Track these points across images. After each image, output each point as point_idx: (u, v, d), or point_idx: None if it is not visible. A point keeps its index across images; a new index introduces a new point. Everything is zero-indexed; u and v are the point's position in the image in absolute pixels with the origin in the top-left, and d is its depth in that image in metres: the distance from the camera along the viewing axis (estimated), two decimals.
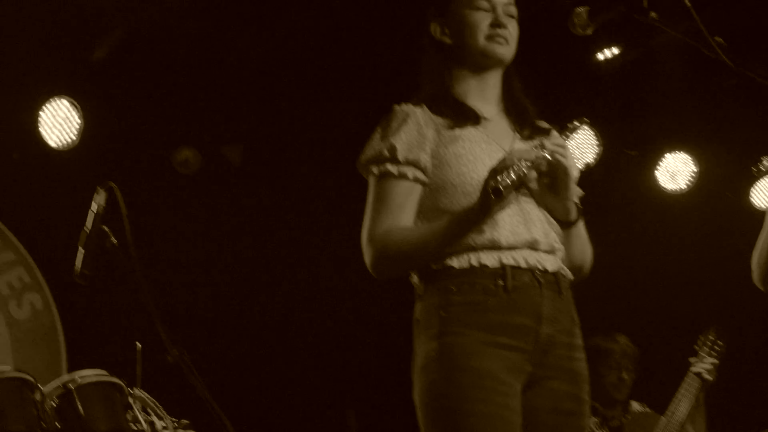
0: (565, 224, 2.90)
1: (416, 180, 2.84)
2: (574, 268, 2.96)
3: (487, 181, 2.68)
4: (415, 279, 2.91)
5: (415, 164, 2.83)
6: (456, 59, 2.97)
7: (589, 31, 2.89)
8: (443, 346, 2.74)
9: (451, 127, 2.88)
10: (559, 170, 2.79)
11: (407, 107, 2.90)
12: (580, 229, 2.97)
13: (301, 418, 5.89)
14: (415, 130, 2.85)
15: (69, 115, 5.45)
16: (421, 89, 3.00)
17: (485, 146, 2.87)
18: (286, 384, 6.00)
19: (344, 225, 2.93)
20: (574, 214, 2.89)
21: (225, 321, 5.91)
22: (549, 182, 2.81)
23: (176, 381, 3.23)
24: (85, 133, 5.50)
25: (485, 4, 2.95)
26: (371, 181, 2.89)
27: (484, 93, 3.00)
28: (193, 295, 5.83)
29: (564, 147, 2.79)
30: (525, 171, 2.68)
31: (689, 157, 6.51)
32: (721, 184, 6.53)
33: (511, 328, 2.75)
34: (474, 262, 2.78)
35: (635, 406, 5.71)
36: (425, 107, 2.90)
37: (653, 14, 2.73)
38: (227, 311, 5.93)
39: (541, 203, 2.86)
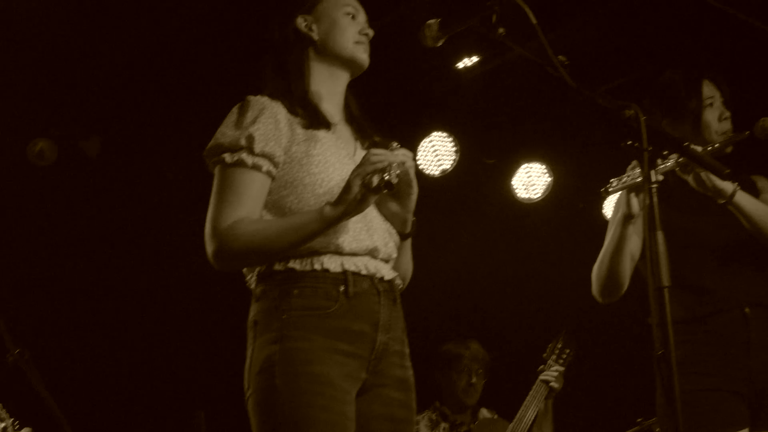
0: (402, 236, 2.98)
1: (269, 174, 2.84)
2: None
3: (355, 178, 2.70)
4: (251, 279, 2.91)
5: (270, 157, 2.82)
6: (318, 57, 3.01)
7: (440, 43, 2.95)
8: (284, 350, 2.74)
9: (305, 127, 2.91)
10: (404, 181, 2.85)
11: (263, 99, 2.90)
12: (409, 244, 3.05)
13: (149, 419, 5.81)
14: (272, 123, 2.85)
15: None
16: (275, 82, 3.00)
17: (335, 150, 2.92)
18: (134, 385, 5.90)
19: (201, 219, 2.89)
20: (410, 226, 2.97)
21: (72, 320, 5.78)
22: (393, 192, 2.83)
23: (18, 382, 3.16)
24: None
25: (352, 11, 3.04)
26: (219, 170, 2.85)
27: (334, 97, 3.06)
28: (42, 293, 5.70)
29: (410, 159, 2.84)
30: (399, 172, 2.72)
31: (544, 168, 6.66)
32: (575, 195, 6.69)
33: (351, 334, 2.79)
34: (317, 266, 2.80)
35: (484, 412, 5.83)
36: (280, 103, 2.90)
37: (501, 30, 2.80)
38: (75, 310, 5.80)
39: (382, 211, 2.92)
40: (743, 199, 3.58)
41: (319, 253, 2.81)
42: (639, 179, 3.36)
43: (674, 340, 3.57)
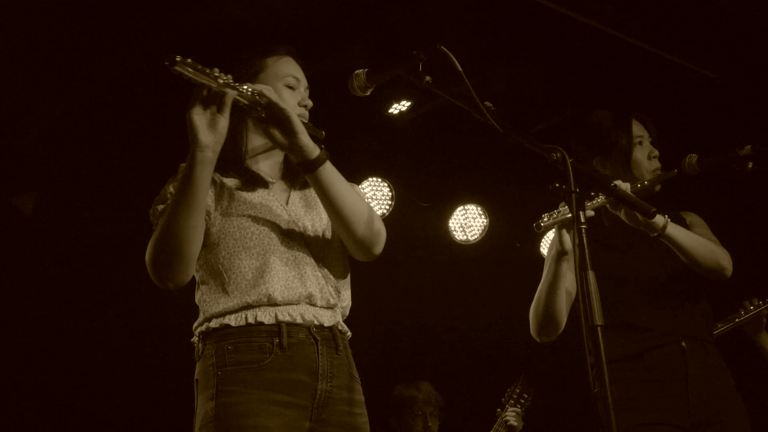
0: (306, 166, 2.87)
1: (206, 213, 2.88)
2: (352, 230, 2.93)
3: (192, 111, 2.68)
4: (194, 339, 2.94)
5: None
6: (256, 126, 3.02)
7: (369, 92, 2.99)
8: (220, 406, 2.76)
9: (239, 188, 2.96)
10: (271, 106, 2.81)
11: None
12: (329, 174, 2.91)
13: None
14: None
15: None
16: None
17: (268, 205, 2.96)
18: None
19: (140, 274, 2.91)
20: (311, 151, 2.86)
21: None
22: (268, 119, 2.83)
23: None
24: None
25: (293, 82, 3.08)
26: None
27: (272, 156, 3.10)
28: None
29: (269, 89, 2.84)
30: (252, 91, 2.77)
31: (480, 209, 6.72)
32: (511, 234, 6.75)
33: (288, 384, 2.80)
34: (250, 320, 2.83)
35: None
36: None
37: (428, 78, 2.85)
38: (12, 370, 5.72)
39: (275, 142, 2.86)
40: (675, 230, 3.65)
41: (252, 306, 2.84)
42: (569, 215, 3.41)
43: (615, 378, 3.71)
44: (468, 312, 6.86)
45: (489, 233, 6.71)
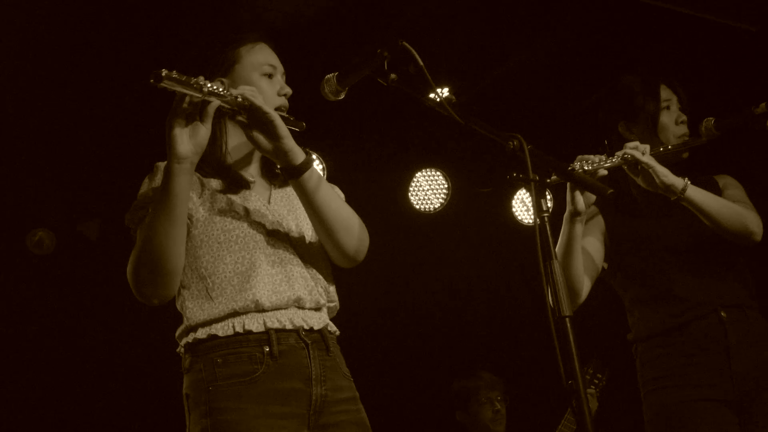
0: (291, 172, 2.81)
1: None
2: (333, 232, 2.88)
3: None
4: (180, 350, 2.88)
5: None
6: (234, 119, 2.90)
7: (342, 96, 2.94)
8: (215, 424, 2.70)
9: (220, 189, 2.90)
10: (254, 110, 2.74)
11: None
12: (317, 184, 2.84)
13: None
14: None
15: None
16: None
17: (249, 206, 2.89)
18: None
19: None
20: (296, 156, 2.80)
21: (75, 403, 5.78)
22: (250, 122, 2.76)
23: None
24: None
25: (269, 70, 3.00)
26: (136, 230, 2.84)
27: (252, 155, 3.03)
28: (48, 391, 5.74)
29: (252, 92, 2.76)
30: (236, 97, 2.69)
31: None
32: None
33: (283, 394, 2.74)
34: (238, 329, 2.77)
35: None
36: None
37: (393, 76, 2.79)
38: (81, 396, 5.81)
39: (258, 146, 2.80)
40: (695, 192, 3.49)
41: (238, 313, 2.78)
42: (580, 170, 3.30)
43: (651, 355, 3.63)
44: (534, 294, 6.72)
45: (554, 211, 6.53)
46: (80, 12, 4.58)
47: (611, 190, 2.70)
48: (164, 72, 2.50)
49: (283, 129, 2.76)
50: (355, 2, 4.77)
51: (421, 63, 2.68)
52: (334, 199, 2.89)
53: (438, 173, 6.29)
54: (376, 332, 6.31)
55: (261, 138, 2.77)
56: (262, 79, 2.98)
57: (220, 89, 2.68)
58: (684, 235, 3.68)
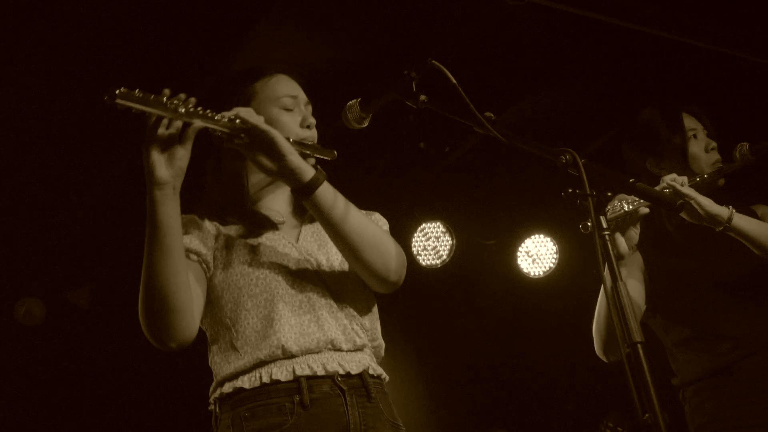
0: (301, 191, 2.56)
1: (199, 263, 2.61)
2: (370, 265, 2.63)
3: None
4: (211, 407, 2.65)
5: (197, 253, 2.61)
6: (232, 142, 2.62)
7: (365, 124, 2.73)
8: None
9: (242, 234, 2.69)
10: (251, 130, 2.50)
11: (188, 217, 2.68)
12: (337, 204, 2.59)
13: None
14: (195, 230, 2.65)
15: None
16: (211, 192, 2.77)
17: (275, 247, 2.68)
18: None
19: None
20: (304, 173, 2.55)
21: None
22: (252, 145, 2.52)
23: None
24: None
25: (289, 102, 2.78)
26: None
27: (281, 194, 2.83)
28: None
29: (247, 111, 2.53)
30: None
31: (549, 239, 6.38)
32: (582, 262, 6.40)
33: None
34: (265, 379, 2.54)
35: None
36: (206, 219, 2.70)
37: (423, 97, 2.59)
38: None
39: (263, 169, 2.57)
40: (742, 221, 3.27)
41: (265, 362, 2.55)
42: (621, 211, 3.08)
43: (701, 398, 3.40)
44: (550, 348, 6.54)
45: (559, 264, 6.37)
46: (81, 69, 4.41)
47: (681, 201, 2.49)
48: (120, 89, 2.24)
49: (285, 146, 2.51)
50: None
51: (454, 81, 2.48)
52: (355, 215, 2.62)
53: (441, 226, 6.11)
54: None
55: (264, 160, 2.52)
56: (282, 113, 2.75)
57: (208, 111, 2.43)
58: (729, 267, 3.46)
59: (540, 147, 2.36)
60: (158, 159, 2.37)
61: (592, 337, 3.42)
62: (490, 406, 6.57)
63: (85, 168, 5.17)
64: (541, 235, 6.37)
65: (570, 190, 2.29)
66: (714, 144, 3.62)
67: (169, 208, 2.40)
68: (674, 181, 3.23)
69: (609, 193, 2.29)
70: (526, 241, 6.35)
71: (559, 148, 2.31)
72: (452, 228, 6.09)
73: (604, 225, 2.26)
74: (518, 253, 6.35)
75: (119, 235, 5.45)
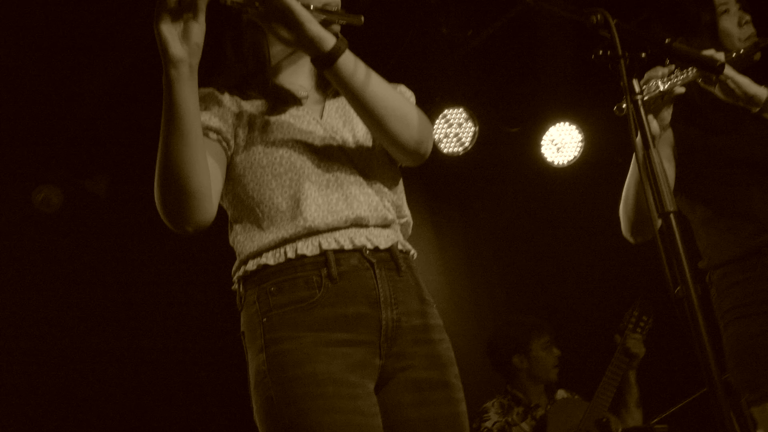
0: (322, 61, 2.44)
1: (219, 142, 2.53)
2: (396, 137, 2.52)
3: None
4: (234, 286, 2.59)
5: (216, 131, 2.52)
6: (247, 13, 2.50)
7: None
8: (271, 357, 2.42)
9: (264, 109, 2.59)
10: None
11: (206, 90, 2.58)
12: (359, 73, 2.47)
13: None
14: (214, 105, 2.55)
15: None
16: (231, 67, 2.65)
17: (299, 123, 2.58)
18: None
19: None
20: (325, 42, 2.42)
21: (84, 362, 5.59)
22: (267, 14, 2.39)
23: None
24: None
25: None
26: None
27: (303, 67, 2.70)
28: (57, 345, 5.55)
29: None
30: None
31: (574, 127, 6.23)
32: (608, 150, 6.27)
33: (347, 320, 2.45)
34: (290, 254, 2.47)
35: (561, 393, 5.50)
36: (227, 92, 2.59)
37: None
38: (88, 355, 5.58)
39: (281, 40, 2.44)
40: None
41: (290, 240, 2.48)
42: (656, 90, 2.95)
43: (729, 282, 3.30)
44: (576, 239, 6.46)
45: (585, 152, 6.24)
46: None
47: (722, 61, 2.35)
48: None
49: (303, 14, 2.37)
50: None
51: None
52: (379, 84, 2.49)
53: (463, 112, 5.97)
54: None
55: (281, 29, 2.39)
56: None
57: None
58: (763, 148, 3.33)
59: (567, 8, 2.23)
60: (171, 35, 2.27)
61: (617, 227, 3.33)
62: (512, 294, 6.54)
63: (103, 51, 5.09)
64: (566, 123, 6.20)
65: (601, 52, 2.16)
66: (748, 17, 3.44)
67: (186, 88, 2.30)
68: (712, 57, 3.08)
69: (642, 54, 2.16)
70: (550, 129, 6.17)
71: (590, 8, 2.18)
72: (475, 114, 5.91)
73: (636, 89, 2.13)
74: (542, 142, 6.19)
75: (138, 122, 5.38)
